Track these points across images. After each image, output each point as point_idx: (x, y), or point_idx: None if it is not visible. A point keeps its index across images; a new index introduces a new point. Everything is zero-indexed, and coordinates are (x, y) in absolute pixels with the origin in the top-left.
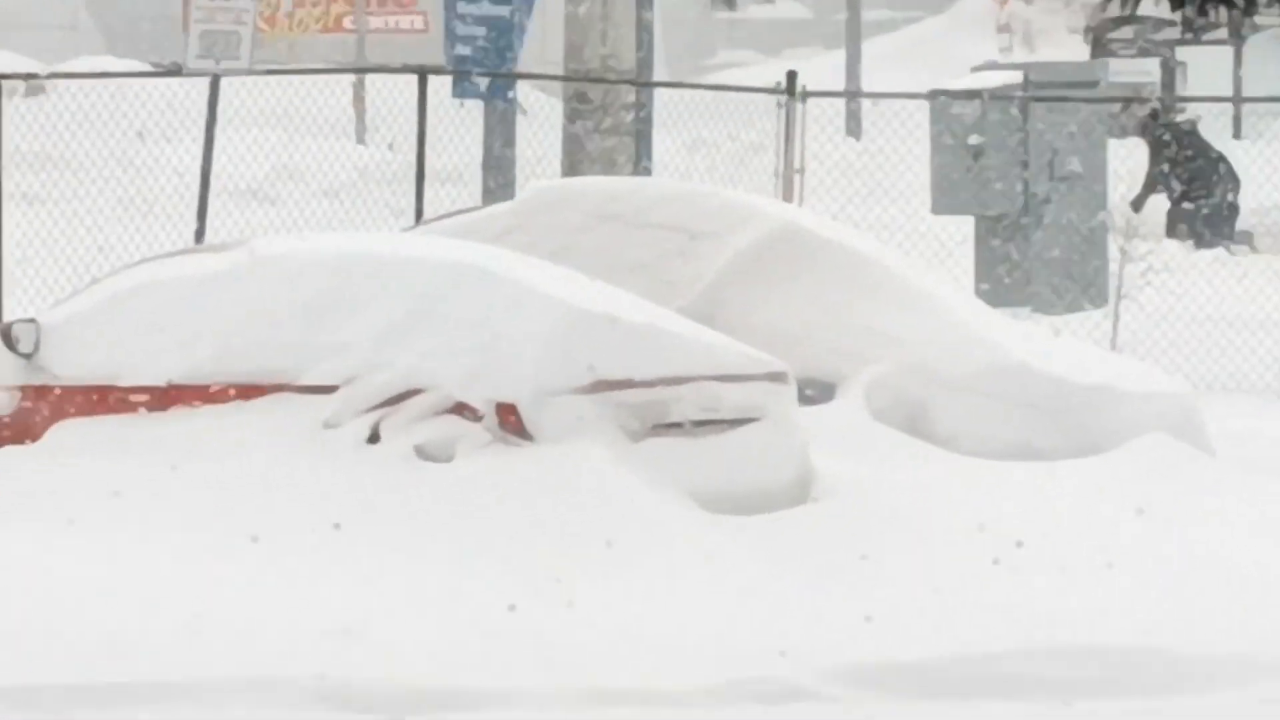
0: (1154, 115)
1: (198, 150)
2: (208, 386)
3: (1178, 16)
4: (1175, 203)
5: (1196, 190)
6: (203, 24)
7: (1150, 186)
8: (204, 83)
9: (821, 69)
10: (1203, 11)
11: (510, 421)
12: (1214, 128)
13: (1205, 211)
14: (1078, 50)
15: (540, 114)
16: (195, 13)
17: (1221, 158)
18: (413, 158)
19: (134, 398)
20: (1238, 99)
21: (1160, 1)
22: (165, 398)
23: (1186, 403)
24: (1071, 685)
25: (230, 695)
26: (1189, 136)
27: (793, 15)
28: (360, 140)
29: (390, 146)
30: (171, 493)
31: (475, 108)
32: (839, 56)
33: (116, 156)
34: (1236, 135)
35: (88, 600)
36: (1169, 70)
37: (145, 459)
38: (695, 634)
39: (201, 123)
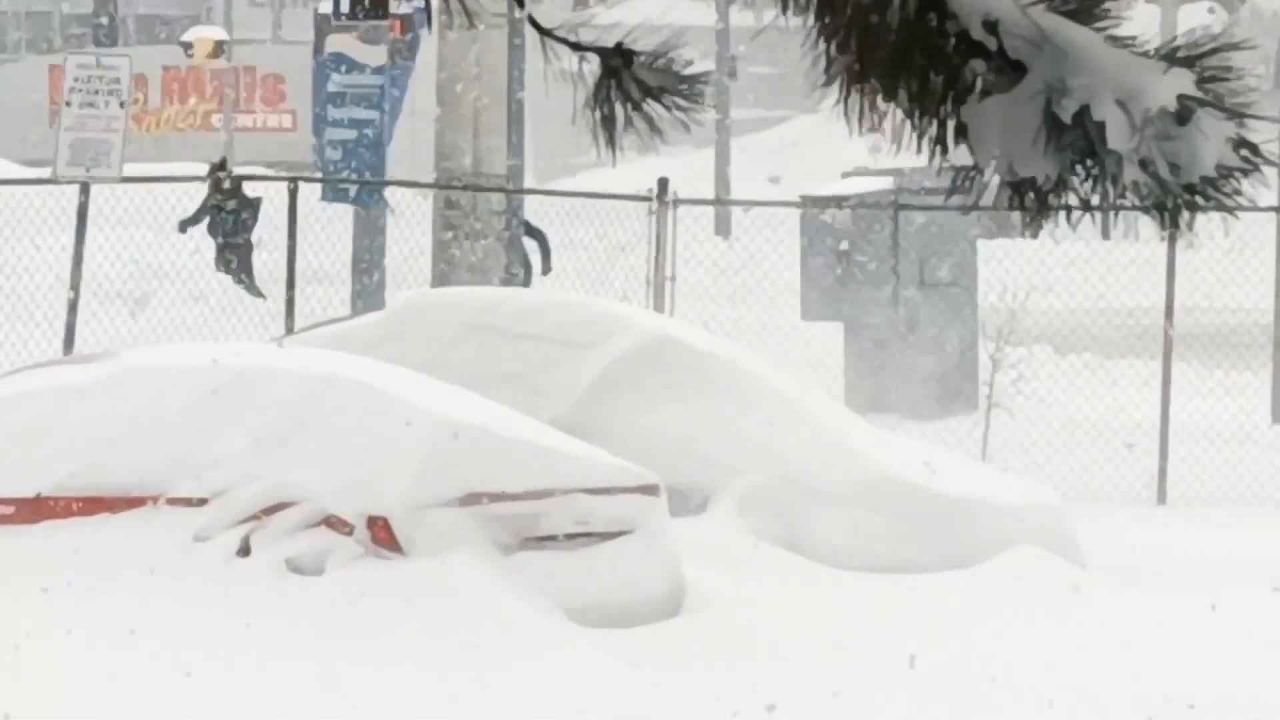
0: (221, 165)
1: (65, 254)
2: (76, 499)
3: None
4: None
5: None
6: (73, 132)
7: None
8: (73, 186)
9: (692, 167)
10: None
11: (382, 535)
12: (1089, 227)
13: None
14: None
15: (410, 213)
16: (65, 120)
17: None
18: (282, 258)
19: (1, 509)
20: (1105, 206)
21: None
22: (34, 510)
23: (1058, 514)
24: None
25: None
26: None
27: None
28: None
29: (260, 247)
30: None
31: (345, 208)
32: (710, 154)
33: None
34: (1105, 236)
35: None
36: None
37: (10, 573)
38: None
39: (68, 223)
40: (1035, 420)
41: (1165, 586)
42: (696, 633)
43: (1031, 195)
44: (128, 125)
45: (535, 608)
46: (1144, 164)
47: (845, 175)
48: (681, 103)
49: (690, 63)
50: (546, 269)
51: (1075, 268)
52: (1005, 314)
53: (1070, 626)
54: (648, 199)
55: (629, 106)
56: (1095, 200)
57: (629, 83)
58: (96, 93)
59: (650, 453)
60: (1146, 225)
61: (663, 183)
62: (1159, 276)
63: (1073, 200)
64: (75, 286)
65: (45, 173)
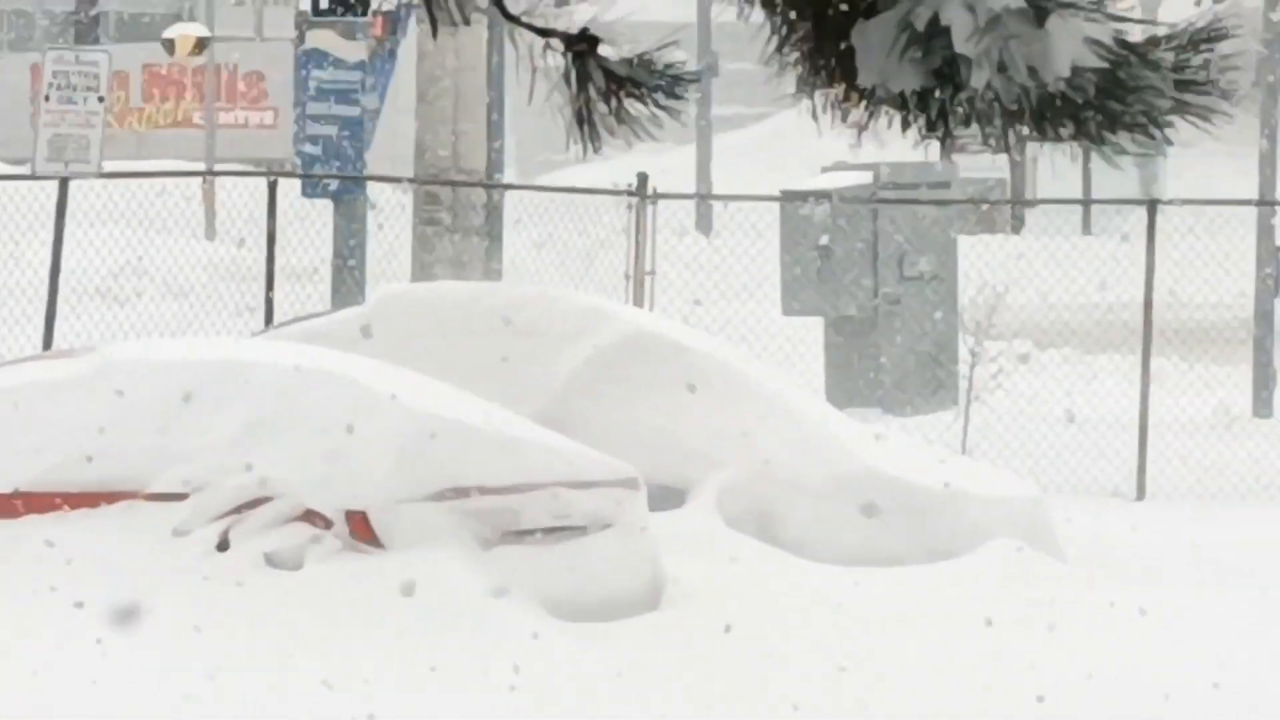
0: None
1: (45, 251)
2: (55, 494)
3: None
4: None
5: None
6: (52, 127)
7: None
8: (52, 182)
9: (673, 164)
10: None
11: (360, 529)
12: (1070, 223)
13: None
14: (930, 146)
15: (390, 209)
16: (44, 116)
17: None
18: (262, 254)
19: None
20: (1086, 200)
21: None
22: (12, 505)
23: (1036, 506)
24: None
25: None
26: None
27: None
28: (210, 237)
29: (240, 244)
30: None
31: (325, 203)
32: (690, 151)
33: None
34: (1086, 231)
35: None
36: (1019, 166)
37: None
38: None
39: (47, 220)
40: (1015, 414)
41: (1144, 579)
42: (676, 626)
43: (911, 112)
44: (108, 122)
45: (514, 601)
46: (1003, 68)
47: (825, 170)
48: (660, 98)
49: (681, 63)
50: None
51: (1055, 262)
52: (985, 308)
53: (1050, 619)
54: (627, 194)
55: (599, 95)
56: (960, 111)
57: (595, 71)
58: (75, 88)
59: (629, 446)
60: (1128, 221)
61: (642, 178)
62: (1138, 271)
63: (951, 116)
64: (54, 282)
65: (26, 169)
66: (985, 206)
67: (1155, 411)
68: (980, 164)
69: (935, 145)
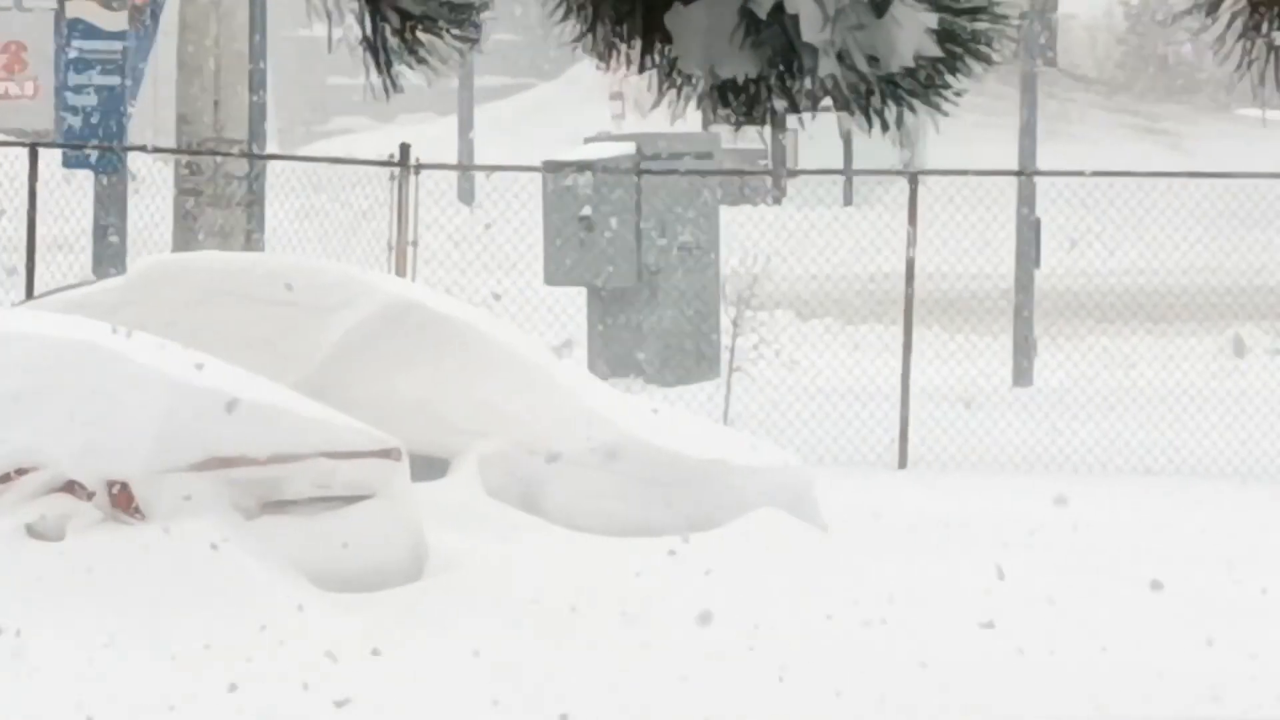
0: None
1: None
2: None
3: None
4: None
5: None
6: None
7: None
8: None
9: (435, 135)
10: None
11: (122, 500)
12: (831, 194)
13: None
14: (690, 117)
15: (152, 180)
16: None
17: None
18: (23, 225)
19: None
20: (848, 170)
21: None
22: None
23: (799, 477)
24: None
25: None
26: None
27: (406, 82)
28: None
29: (0, 214)
30: None
31: (87, 174)
32: (452, 122)
33: None
34: (848, 202)
35: None
36: (780, 136)
37: None
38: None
39: None
40: (777, 384)
41: (904, 547)
42: (438, 595)
43: (734, 97)
44: None
45: (276, 571)
46: (841, 57)
47: (588, 140)
48: (455, 31)
49: None
50: None
51: (817, 233)
52: (747, 279)
53: (809, 589)
54: (390, 164)
55: (394, 34)
56: (802, 100)
57: (389, 11)
58: None
59: (393, 417)
60: (890, 191)
61: (404, 148)
62: (900, 241)
63: (780, 103)
64: None
65: None
66: (747, 177)
67: (917, 381)
68: (743, 135)
69: (697, 116)
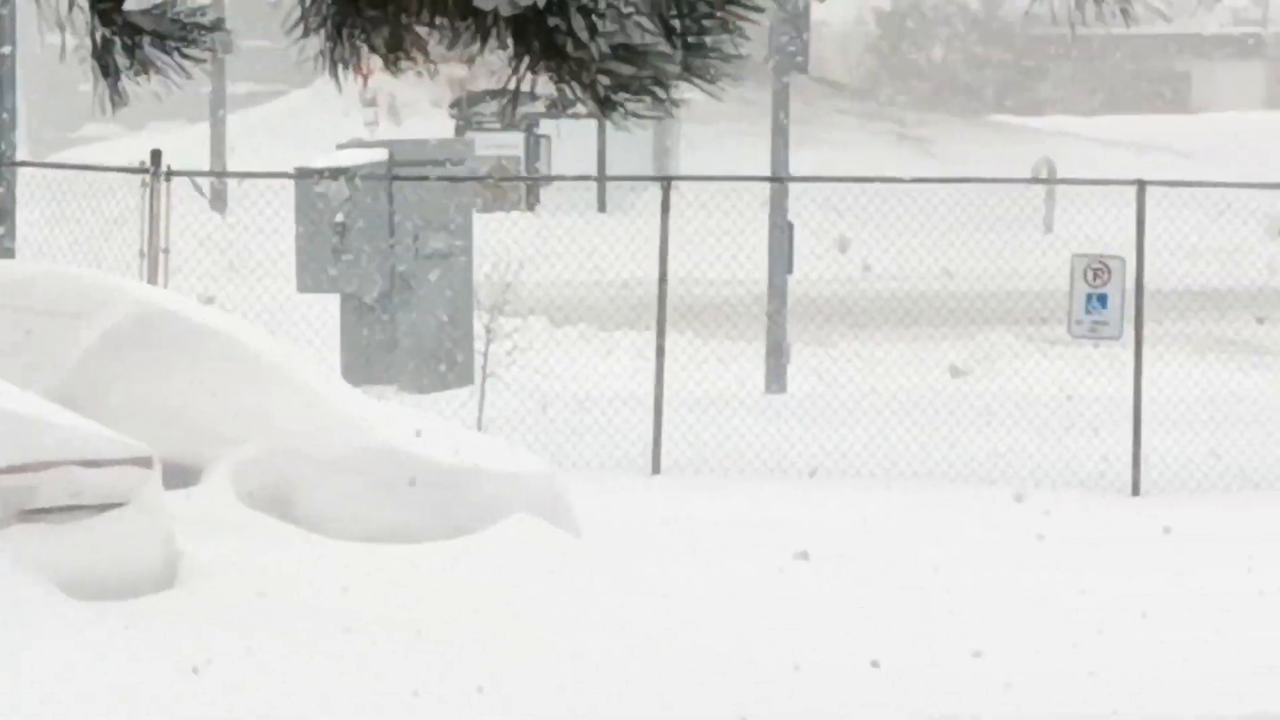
0: None
1: None
2: None
3: (544, 91)
4: None
5: None
6: None
7: None
8: None
9: (186, 142)
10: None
11: None
12: (585, 200)
13: None
14: (444, 123)
15: None
16: None
17: None
18: None
19: None
20: (601, 176)
21: (525, 79)
22: None
23: (552, 482)
24: None
25: None
26: None
27: (156, 89)
28: None
29: None
30: None
31: None
32: (204, 130)
33: None
34: (601, 209)
35: None
36: (534, 143)
37: None
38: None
39: None
40: (531, 390)
41: (656, 550)
42: (189, 603)
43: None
44: None
45: (26, 580)
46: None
47: (340, 147)
48: (185, 50)
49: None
50: None
51: (570, 238)
52: (500, 285)
53: (561, 593)
54: (140, 171)
55: (123, 50)
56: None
57: (118, 24)
58: None
59: (144, 424)
60: (643, 198)
61: (155, 155)
62: (653, 248)
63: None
64: None
65: None
66: (498, 182)
67: (670, 387)
68: (495, 141)
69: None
